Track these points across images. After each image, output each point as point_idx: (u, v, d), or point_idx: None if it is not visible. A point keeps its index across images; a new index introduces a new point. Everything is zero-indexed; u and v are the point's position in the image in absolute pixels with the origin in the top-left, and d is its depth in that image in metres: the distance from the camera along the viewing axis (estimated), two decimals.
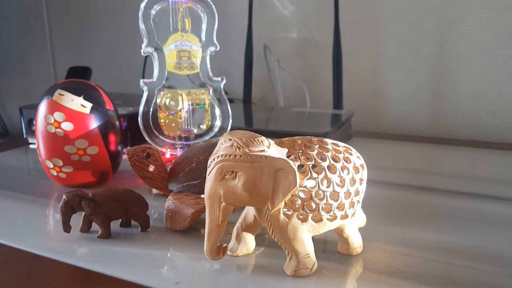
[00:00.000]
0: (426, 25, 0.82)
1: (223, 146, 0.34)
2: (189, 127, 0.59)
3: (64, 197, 0.41)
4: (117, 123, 0.57)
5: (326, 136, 0.62)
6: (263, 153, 0.33)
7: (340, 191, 0.35)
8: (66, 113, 0.52)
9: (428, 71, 0.84)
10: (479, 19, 0.78)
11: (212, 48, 0.58)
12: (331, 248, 0.40)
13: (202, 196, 0.45)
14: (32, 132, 0.75)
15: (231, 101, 0.65)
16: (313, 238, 0.35)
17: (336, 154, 0.36)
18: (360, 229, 0.40)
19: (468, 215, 0.47)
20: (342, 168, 0.35)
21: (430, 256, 0.38)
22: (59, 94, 0.52)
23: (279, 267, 0.36)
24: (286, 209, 0.34)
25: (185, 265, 0.38)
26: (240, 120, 0.75)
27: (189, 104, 0.58)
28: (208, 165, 0.34)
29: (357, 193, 0.36)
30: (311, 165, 0.34)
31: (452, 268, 0.36)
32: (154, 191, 0.53)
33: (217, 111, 0.60)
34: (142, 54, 0.57)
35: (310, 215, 0.34)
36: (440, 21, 0.81)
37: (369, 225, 0.42)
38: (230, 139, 0.34)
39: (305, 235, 0.34)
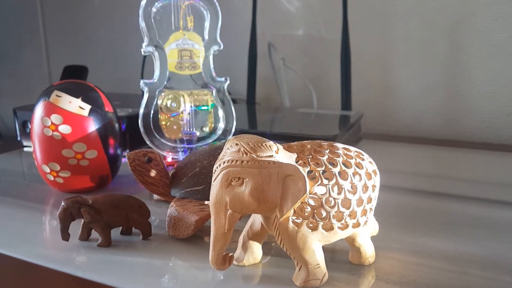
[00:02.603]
0: (439, 21, 0.82)
1: (229, 151, 0.34)
2: (191, 129, 0.59)
3: (62, 203, 0.41)
4: (117, 125, 0.57)
5: (335, 139, 0.62)
6: (271, 159, 0.33)
7: (352, 198, 0.35)
8: (64, 116, 0.52)
9: (441, 70, 0.84)
10: (495, 15, 0.78)
11: (215, 47, 0.58)
12: (342, 258, 0.40)
13: (206, 202, 0.45)
14: (26, 135, 0.75)
15: (234, 101, 0.65)
16: (323, 247, 0.35)
17: (347, 160, 0.36)
18: (373, 238, 0.40)
19: (485, 222, 0.47)
20: (354, 174, 0.35)
21: (446, 266, 0.38)
22: (56, 95, 0.53)
23: (288, 277, 0.36)
24: (295, 217, 0.34)
25: (188, 275, 0.38)
26: (244, 122, 0.75)
27: (191, 106, 0.59)
28: (213, 170, 0.35)
29: (369, 200, 0.37)
30: (321, 171, 0.34)
31: (469, 279, 0.36)
32: (156, 197, 0.53)
33: (221, 113, 0.60)
34: (143, 53, 0.57)
35: (321, 223, 0.34)
36: (453, 17, 0.81)
37: (381, 234, 0.42)
38: (236, 144, 0.34)
39: (315, 244, 0.34)
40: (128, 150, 0.67)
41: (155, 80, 0.58)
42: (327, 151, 0.36)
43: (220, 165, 0.34)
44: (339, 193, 0.34)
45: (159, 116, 0.58)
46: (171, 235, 0.44)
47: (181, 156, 0.59)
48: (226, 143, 0.35)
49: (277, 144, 0.35)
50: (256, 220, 0.38)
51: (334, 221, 0.35)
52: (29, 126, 0.68)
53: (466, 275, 0.37)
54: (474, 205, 0.52)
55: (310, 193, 0.34)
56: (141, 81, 0.58)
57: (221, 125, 0.60)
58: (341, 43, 0.81)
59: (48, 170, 0.54)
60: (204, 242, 0.43)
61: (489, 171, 0.65)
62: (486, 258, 0.40)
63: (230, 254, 0.36)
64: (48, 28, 1.28)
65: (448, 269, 0.38)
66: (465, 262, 0.39)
